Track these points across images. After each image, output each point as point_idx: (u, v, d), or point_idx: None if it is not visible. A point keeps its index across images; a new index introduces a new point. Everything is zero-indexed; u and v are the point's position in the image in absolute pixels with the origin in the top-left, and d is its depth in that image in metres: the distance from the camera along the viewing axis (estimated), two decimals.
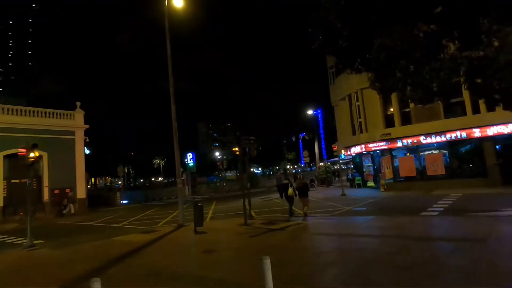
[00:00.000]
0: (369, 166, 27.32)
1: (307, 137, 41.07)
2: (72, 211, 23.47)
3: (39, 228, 15.69)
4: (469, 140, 20.63)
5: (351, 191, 24.17)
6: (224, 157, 54.50)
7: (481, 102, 18.94)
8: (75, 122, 25.41)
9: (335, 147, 28.79)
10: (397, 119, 22.83)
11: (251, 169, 64.01)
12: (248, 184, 16.91)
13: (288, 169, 78.82)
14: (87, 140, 26.33)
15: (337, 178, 38.47)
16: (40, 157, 21.92)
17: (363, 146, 25.02)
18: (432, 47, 6.32)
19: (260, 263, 2.72)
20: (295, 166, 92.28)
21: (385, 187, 22.35)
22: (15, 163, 19.66)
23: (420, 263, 6.21)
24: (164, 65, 14.92)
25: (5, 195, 21.36)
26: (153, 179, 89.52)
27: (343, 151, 28.81)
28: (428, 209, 12.97)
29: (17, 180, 21.33)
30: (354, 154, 28.10)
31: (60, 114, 24.70)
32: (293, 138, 54.96)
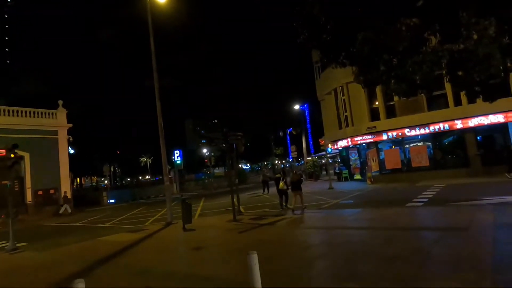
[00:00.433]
0: (355, 159, 27.69)
1: (294, 132, 41.26)
2: (69, 211, 23.60)
3: (22, 231, 15.32)
4: (451, 132, 21.13)
5: (339, 185, 24.46)
6: (212, 153, 54.20)
7: (463, 94, 19.28)
8: (58, 121, 24.82)
9: (322, 141, 29.01)
10: (382, 113, 23.16)
11: (239, 165, 64.02)
12: (237, 180, 16.91)
13: (276, 165, 79.13)
14: (71, 139, 25.78)
15: (324, 172, 38.84)
16: (21, 158, 21.39)
17: (349, 139, 25.32)
18: (415, 40, 6.41)
19: (247, 258, 2.72)
20: (283, 161, 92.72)
21: (372, 179, 22.70)
22: None
23: (406, 253, 6.34)
24: (149, 62, 14.68)
25: None
26: (140, 177, 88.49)
27: (330, 145, 29.11)
28: (413, 200, 13.24)
29: None
30: (340, 148, 28.42)
31: (41, 113, 24.08)
32: (281, 133, 55.15)
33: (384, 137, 23.04)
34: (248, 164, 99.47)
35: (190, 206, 12.25)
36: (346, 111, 25.31)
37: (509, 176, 17.04)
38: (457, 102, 20.24)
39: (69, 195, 24.24)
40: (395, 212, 11.30)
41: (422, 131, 21.58)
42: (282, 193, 14.51)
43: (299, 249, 7.87)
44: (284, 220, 12.00)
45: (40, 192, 23.02)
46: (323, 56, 7.43)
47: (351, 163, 28.03)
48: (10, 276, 7.85)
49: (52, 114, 24.68)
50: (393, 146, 23.86)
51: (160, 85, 14.56)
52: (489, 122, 19.54)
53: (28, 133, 22.55)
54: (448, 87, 19.12)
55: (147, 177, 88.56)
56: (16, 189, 21.53)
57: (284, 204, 14.54)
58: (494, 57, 6.29)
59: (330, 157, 37.95)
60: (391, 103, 22.77)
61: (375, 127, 23.21)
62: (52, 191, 23.60)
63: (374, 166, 23.99)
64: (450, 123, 20.55)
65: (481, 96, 9.17)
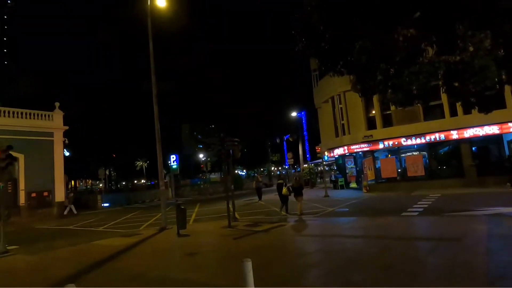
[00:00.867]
0: (351, 167, 27.75)
1: (291, 139, 41.37)
2: (75, 212, 24.15)
3: (14, 233, 15.12)
4: (447, 142, 21.27)
5: (334, 192, 24.45)
6: (208, 159, 54.10)
7: (458, 105, 19.54)
8: (54, 123, 24.69)
9: (318, 149, 29.09)
10: (378, 121, 23.29)
11: (236, 171, 63.88)
12: (232, 186, 16.85)
13: (272, 171, 79.01)
14: (67, 141, 25.62)
15: (319, 180, 38.84)
16: (15, 159, 21.21)
17: (346, 147, 25.39)
18: (412, 51, 6.49)
19: (241, 266, 2.70)
20: (280, 168, 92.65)
21: (367, 188, 22.73)
22: None
23: (400, 262, 6.33)
24: (147, 65, 14.70)
25: None
26: (135, 181, 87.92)
27: (326, 153, 29.15)
28: (409, 210, 13.26)
29: None
30: (337, 156, 28.48)
31: (37, 115, 23.94)
32: (278, 140, 55.22)
33: (381, 146, 23.14)
34: (245, 170, 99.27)
35: (185, 211, 12.16)
36: (343, 119, 25.43)
37: (511, 187, 17.07)
38: (453, 113, 20.42)
39: (59, 198, 23.95)
40: (390, 221, 11.30)
41: (418, 140, 21.71)
42: (283, 198, 15.14)
43: (294, 257, 7.83)
44: (280, 227, 11.96)
45: (33, 195, 22.78)
46: (321, 64, 7.49)
47: (347, 171, 28.08)
48: None
49: (48, 116, 24.55)
50: (389, 155, 23.96)
51: (158, 89, 14.57)
52: (484, 133, 19.70)
53: (23, 134, 22.38)
54: (444, 98, 19.30)
55: (142, 181, 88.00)
56: (9, 190, 21.34)
57: (284, 209, 15.13)
58: (489, 69, 6.38)
59: (326, 165, 38.01)
60: (388, 112, 22.91)
61: (371, 135, 23.32)
62: (45, 193, 23.36)
63: (370, 174, 24.05)
64: (446, 133, 20.70)
65: (476, 107, 9.28)
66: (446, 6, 6.80)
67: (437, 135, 20.98)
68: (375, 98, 22.28)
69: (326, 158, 30.15)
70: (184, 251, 9.19)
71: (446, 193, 17.69)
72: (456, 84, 7.93)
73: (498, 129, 19.24)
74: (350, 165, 27.90)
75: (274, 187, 40.27)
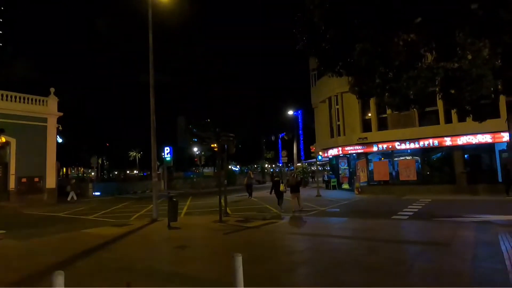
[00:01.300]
0: (345, 168, 27.90)
1: (286, 137, 41.39)
2: (75, 198, 24.73)
3: (1, 218, 14.99)
4: (440, 148, 21.47)
5: (326, 193, 24.58)
6: (203, 153, 53.96)
7: (453, 112, 19.75)
8: (48, 108, 24.41)
9: (313, 148, 29.22)
10: (374, 124, 23.41)
11: (229, 167, 63.86)
12: (225, 181, 16.85)
13: (265, 168, 79.14)
14: (60, 128, 25.37)
15: (311, 179, 38.97)
16: (7, 143, 20.98)
17: (340, 148, 25.51)
18: (411, 55, 6.52)
19: (231, 260, 2.71)
20: (273, 166, 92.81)
21: (359, 189, 22.89)
22: None
23: (389, 264, 6.40)
24: (145, 56, 14.57)
25: None
26: (128, 171, 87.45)
27: (320, 153, 29.26)
28: (399, 213, 13.39)
29: None
30: (331, 156, 28.61)
31: (32, 99, 23.64)
32: (273, 138, 55.19)
33: (375, 148, 23.28)
34: (238, 166, 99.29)
35: (177, 204, 12.15)
36: (339, 120, 25.52)
37: (508, 196, 17.14)
38: (448, 120, 20.60)
39: (50, 185, 23.76)
40: (380, 223, 11.41)
41: (412, 145, 21.88)
42: (279, 194, 15.90)
43: (283, 254, 7.87)
44: (270, 224, 12.00)
45: (24, 180, 22.55)
46: (321, 64, 7.50)
47: (340, 172, 28.23)
48: None
49: (43, 101, 24.26)
50: (383, 158, 24.13)
51: (155, 80, 14.47)
52: (477, 142, 19.93)
53: (16, 118, 22.10)
54: (440, 104, 19.46)
55: (135, 171, 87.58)
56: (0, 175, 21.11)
57: (280, 205, 15.71)
58: (486, 78, 6.45)
59: (320, 165, 38.19)
60: (384, 115, 23.04)
61: (366, 138, 23.45)
62: (36, 179, 23.15)
63: (362, 176, 24.20)
64: (440, 139, 20.89)
65: (471, 116, 9.38)
66: (447, 13, 6.84)
67: (431, 140, 21.16)
68: (371, 101, 22.41)
69: (320, 158, 30.26)
70: (174, 244, 9.19)
71: (437, 198, 17.89)
72: (453, 91, 8.01)
73: (491, 138, 19.46)
74: (343, 166, 28.04)
75: (267, 184, 40.35)
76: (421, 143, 21.48)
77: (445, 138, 20.70)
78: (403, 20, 6.27)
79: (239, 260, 2.58)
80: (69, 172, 71.82)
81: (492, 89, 7.60)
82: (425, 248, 7.73)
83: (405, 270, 6.04)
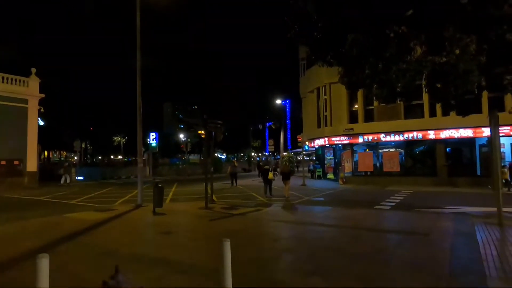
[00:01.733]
0: (330, 159, 28.24)
1: (273, 126, 41.47)
2: (68, 181, 25.08)
3: None
4: (424, 141, 21.95)
5: (312, 182, 24.89)
6: (189, 139, 53.57)
7: (438, 106, 20.13)
8: (29, 89, 23.60)
9: (300, 138, 29.39)
10: (360, 116, 23.67)
11: (216, 154, 63.66)
12: (212, 168, 16.82)
13: (252, 157, 79.29)
14: (42, 110, 24.62)
15: (296, 169, 39.33)
16: None
17: (326, 139, 25.75)
18: (401, 48, 6.57)
19: (220, 245, 2.71)
20: (260, 154, 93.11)
21: (344, 180, 23.27)
22: None
23: (371, 252, 6.57)
24: (132, 38, 14.17)
25: None
26: (112, 157, 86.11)
27: (307, 143, 29.48)
28: (382, 203, 13.71)
29: None
30: (317, 146, 28.88)
31: (12, 79, 22.77)
32: (260, 126, 55.21)
33: (360, 140, 23.61)
34: (224, 154, 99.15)
35: (163, 189, 12.07)
36: (326, 111, 25.67)
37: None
38: (432, 113, 21.01)
39: (31, 168, 23.18)
40: (363, 213, 11.66)
41: (397, 137, 22.28)
42: (269, 182, 16.55)
43: (268, 241, 7.97)
44: (256, 212, 12.10)
45: (3, 162, 21.91)
46: (311, 53, 7.47)
47: (325, 162, 28.58)
48: None
49: (24, 81, 23.41)
50: (367, 150, 24.52)
51: (142, 64, 14.13)
52: (459, 136, 20.45)
53: None
54: (425, 98, 19.77)
55: (119, 157, 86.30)
56: None
57: (269, 193, 16.51)
58: (472, 73, 6.57)
59: (306, 155, 38.55)
60: (370, 107, 23.31)
61: (352, 129, 23.72)
62: (16, 162, 22.52)
63: (347, 167, 24.58)
64: (424, 132, 21.33)
65: (455, 110, 9.59)
66: (436, 6, 6.89)
67: (415, 133, 21.59)
68: (359, 93, 22.58)
69: (306, 147, 30.51)
70: (159, 230, 9.16)
71: (418, 190, 18.38)
72: (439, 85, 8.14)
73: (472, 133, 20.01)
74: (329, 156, 28.38)
75: (253, 172, 40.51)
76: (406, 135, 21.90)
77: (429, 132, 21.15)
78: (396, 11, 6.29)
79: (227, 245, 2.58)
80: (50, 156, 70.21)
81: (476, 84, 7.77)
82: (406, 237, 7.97)
83: (387, 258, 6.22)
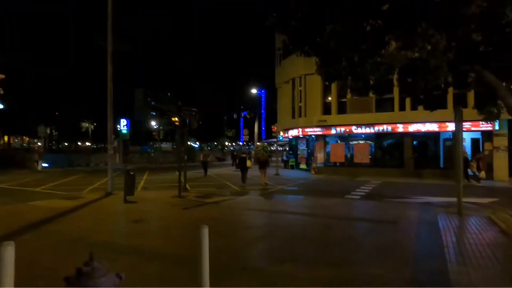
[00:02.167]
0: (303, 149, 28.68)
1: (248, 116, 41.47)
2: (40, 167, 24.71)
3: None
4: (393, 134, 22.77)
5: (285, 172, 25.24)
6: (161, 127, 52.45)
7: (408, 101, 20.95)
8: None
9: (274, 128, 29.57)
10: (334, 108, 24.12)
11: (189, 143, 62.88)
12: (185, 156, 16.60)
13: (226, 146, 79.10)
14: (2, 92, 23.10)
15: (269, 158, 39.63)
16: None
17: (300, 130, 26.08)
18: (377, 41, 6.72)
19: (198, 232, 2.70)
20: (233, 144, 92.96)
21: (316, 170, 23.77)
22: None
23: (342, 240, 6.81)
24: (103, 19, 13.51)
25: None
26: (79, 143, 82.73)
27: (281, 133, 29.73)
28: (352, 193, 14.17)
29: None
30: (291, 137, 29.19)
31: None
32: (235, 116, 54.96)
33: (333, 131, 24.12)
34: (198, 143, 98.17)
35: (134, 177, 11.78)
36: (300, 102, 25.93)
37: (470, 182, 17.47)
38: (402, 108, 21.78)
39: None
40: (334, 202, 12.00)
41: (368, 130, 22.97)
42: (246, 170, 17.15)
43: (241, 229, 8.03)
44: (230, 200, 12.13)
45: None
46: (289, 43, 7.47)
47: (298, 152, 29.00)
48: None
49: None
50: (339, 141, 25.11)
51: (113, 47, 13.55)
52: (425, 130, 21.39)
53: None
54: (396, 92, 20.48)
55: (87, 143, 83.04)
56: None
57: (245, 180, 16.96)
58: (442, 69, 6.85)
59: (280, 145, 38.92)
60: (344, 100, 23.78)
61: (326, 121, 24.15)
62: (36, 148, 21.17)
63: (320, 157, 25.09)
64: (393, 126, 22.12)
65: (423, 105, 10.00)
66: (411, 2, 7.09)
67: (385, 126, 22.33)
68: (333, 85, 22.97)
69: (280, 138, 30.78)
70: (130, 218, 8.97)
71: (387, 180, 19.14)
72: (410, 80, 8.45)
73: (438, 127, 20.99)
74: (302, 147, 28.80)
75: (227, 162, 40.45)
76: (376, 128, 22.61)
77: (398, 125, 21.96)
78: (372, 5, 6.40)
79: (205, 231, 2.57)
80: (11, 141, 66.36)
81: (444, 80, 8.13)
82: (375, 225, 8.31)
83: (357, 245, 6.46)
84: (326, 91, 24.62)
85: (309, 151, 27.39)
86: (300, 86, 25.83)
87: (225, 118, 72.55)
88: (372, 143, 23.68)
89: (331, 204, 11.64)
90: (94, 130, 78.89)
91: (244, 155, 18.39)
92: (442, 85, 8.51)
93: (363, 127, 22.97)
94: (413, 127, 21.57)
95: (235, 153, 34.55)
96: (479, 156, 18.77)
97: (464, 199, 9.77)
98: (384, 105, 22.40)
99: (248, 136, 34.94)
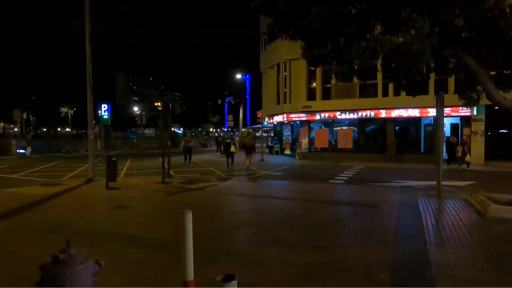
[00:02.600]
0: (288, 135, 28.79)
1: (233, 102, 41.14)
2: (28, 153, 24.72)
3: None
4: (376, 120, 23.08)
5: (270, 157, 25.33)
6: (144, 113, 51.27)
7: (390, 87, 21.16)
8: None
9: (259, 114, 29.44)
10: (318, 94, 24.16)
11: (173, 129, 62.05)
12: (169, 142, 16.36)
13: (210, 132, 78.57)
14: None
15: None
16: None
17: (285, 115, 26.08)
18: (362, 25, 6.65)
19: (181, 217, 2.63)
20: (218, 130, 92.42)
21: (300, 155, 23.94)
22: None
23: (326, 223, 6.89)
24: None
25: None
26: (59, 129, 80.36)
27: (266, 119, 29.67)
28: (335, 178, 14.37)
29: None
30: (276, 123, 29.19)
31: None
32: (219, 101, 54.41)
33: (317, 117, 24.23)
34: (182, 129, 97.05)
35: (116, 163, 11.53)
36: (285, 87, 25.83)
37: (448, 167, 17.88)
38: (385, 93, 22.02)
39: None
40: (318, 186, 12.15)
41: (351, 115, 23.19)
42: (231, 155, 17.52)
43: (226, 214, 8.02)
44: (214, 186, 12.08)
45: None
46: (275, 25, 7.30)
47: (283, 138, 29.09)
48: None
49: None
50: (323, 127, 25.29)
51: (92, 27, 13.00)
52: (407, 115, 21.78)
53: None
54: (379, 78, 20.60)
55: (67, 129, 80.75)
56: None
57: (231, 165, 17.42)
58: (425, 54, 6.88)
59: (265, 131, 38.92)
60: (328, 85, 23.81)
61: (310, 106, 24.21)
62: None
63: (304, 143, 25.26)
64: (376, 111, 22.40)
65: (406, 90, 10.09)
66: None
67: (368, 112, 22.59)
68: (318, 71, 22.94)
69: (265, 123, 30.74)
70: (113, 204, 8.81)
71: (369, 165, 19.50)
72: (393, 65, 8.47)
73: (419, 113, 21.39)
74: (287, 132, 28.89)
75: (212, 147, 40.25)
76: (360, 114, 22.84)
77: (381, 111, 22.25)
78: None
79: (189, 216, 2.51)
80: None
81: (426, 66, 8.20)
82: (358, 209, 8.46)
83: (340, 228, 6.56)
84: (310, 76, 24.59)
85: (293, 136, 27.51)
86: (285, 71, 25.67)
87: (210, 103, 71.76)
88: (356, 129, 23.97)
89: (315, 188, 11.77)
90: (74, 116, 76.69)
91: (228, 140, 18.46)
92: (424, 70, 8.61)
93: (347, 112, 23.17)
94: (395, 113, 21.92)
95: (219, 139, 34.36)
96: (464, 140, 19.33)
97: (443, 183, 10.06)
98: (367, 91, 22.59)
99: (232, 122, 34.73)
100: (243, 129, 38.97)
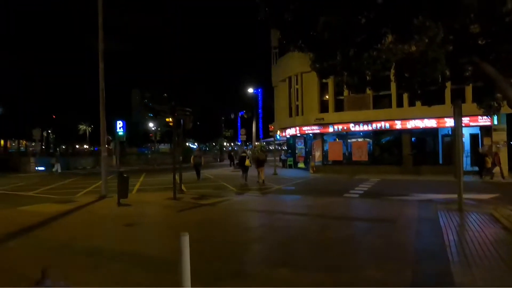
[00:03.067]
0: (301, 148, 28.46)
1: (246, 116, 41.26)
2: (59, 171, 25.65)
3: None
4: (391, 131, 22.56)
5: (283, 171, 25.00)
6: (158, 128, 52.03)
7: (405, 97, 20.70)
8: None
9: (272, 127, 29.29)
10: (331, 106, 23.90)
11: (186, 143, 62.61)
12: (181, 157, 16.36)
13: (224, 146, 78.82)
14: None
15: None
16: None
17: (298, 128, 25.84)
18: (372, 34, 6.48)
19: (178, 240, 2.45)
20: (232, 144, 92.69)
21: (314, 169, 23.52)
22: None
23: (340, 241, 6.56)
24: (95, 16, 13.21)
25: None
26: (77, 146, 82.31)
27: (279, 132, 29.48)
28: (350, 191, 13.93)
29: None
30: (288, 136, 28.95)
31: None
32: (232, 115, 54.70)
33: (331, 129, 23.89)
34: (196, 143, 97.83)
35: (127, 179, 11.51)
36: (297, 100, 25.69)
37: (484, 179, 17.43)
38: (399, 104, 21.56)
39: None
40: (332, 201, 11.76)
41: (366, 127, 22.74)
42: (246, 169, 17.40)
43: (237, 231, 7.78)
44: (226, 201, 11.87)
45: None
46: (283, 37, 7.21)
47: (296, 151, 28.77)
48: None
49: None
50: (337, 139, 24.88)
51: (105, 45, 13.27)
52: (424, 126, 21.19)
53: None
54: (393, 88, 20.22)
55: (85, 146, 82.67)
56: None
57: (245, 179, 17.26)
58: (440, 62, 6.61)
59: (278, 144, 38.69)
60: (341, 97, 23.55)
61: (323, 119, 23.92)
62: None
63: (317, 156, 24.87)
64: (391, 122, 21.90)
65: (421, 100, 9.76)
66: None
67: (383, 123, 22.11)
68: (329, 82, 22.77)
69: (278, 137, 30.54)
70: (123, 222, 8.70)
71: (385, 178, 18.92)
72: (407, 75, 8.21)
73: (436, 123, 20.79)
74: (300, 145, 28.57)
75: (225, 162, 40.20)
76: (374, 125, 22.39)
77: (396, 122, 21.74)
78: None
79: (185, 239, 2.33)
80: (8, 145, 65.97)
81: (441, 74, 7.90)
82: (374, 224, 8.07)
83: (354, 246, 6.23)
84: (323, 89, 24.41)
85: (307, 149, 27.17)
86: (297, 84, 25.60)
87: (223, 118, 72.19)
88: (370, 141, 23.47)
89: (329, 203, 11.40)
90: (92, 133, 78.43)
91: (244, 154, 18.47)
92: (440, 79, 8.30)
93: (361, 124, 22.75)
94: (411, 124, 21.37)
95: (232, 153, 34.27)
96: (495, 151, 18.42)
97: (464, 195, 9.56)
98: (381, 102, 22.19)
99: (245, 136, 34.67)
100: (256, 143, 38.86)
